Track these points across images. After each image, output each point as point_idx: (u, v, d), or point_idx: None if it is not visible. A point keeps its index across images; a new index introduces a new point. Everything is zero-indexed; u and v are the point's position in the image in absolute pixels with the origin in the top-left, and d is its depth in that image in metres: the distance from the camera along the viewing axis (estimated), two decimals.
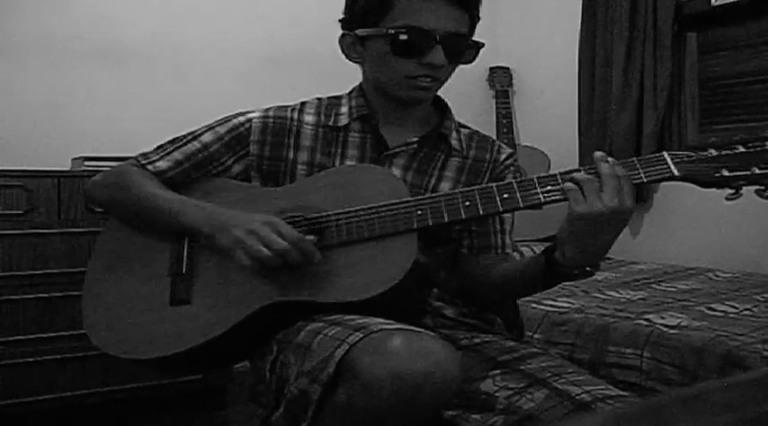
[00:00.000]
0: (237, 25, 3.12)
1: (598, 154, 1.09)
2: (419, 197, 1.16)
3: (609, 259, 3.08)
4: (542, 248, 1.18)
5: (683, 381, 1.64)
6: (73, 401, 2.33)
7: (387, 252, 1.13)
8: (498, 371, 1.15)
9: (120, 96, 2.88)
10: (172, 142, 1.33)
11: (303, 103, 1.35)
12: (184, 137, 1.33)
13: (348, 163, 1.28)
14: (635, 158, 1.10)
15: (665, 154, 1.09)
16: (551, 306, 2.07)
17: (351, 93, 1.35)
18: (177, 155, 1.31)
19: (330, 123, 1.31)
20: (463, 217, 1.13)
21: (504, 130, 3.53)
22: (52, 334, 2.30)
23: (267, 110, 1.33)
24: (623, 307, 2.01)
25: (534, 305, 2.07)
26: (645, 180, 1.08)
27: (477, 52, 1.26)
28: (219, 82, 3.05)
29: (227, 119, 1.33)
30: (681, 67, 3.11)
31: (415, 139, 1.29)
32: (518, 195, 1.11)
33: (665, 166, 1.08)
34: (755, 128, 2.85)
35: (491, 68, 3.67)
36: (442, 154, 1.32)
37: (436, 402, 0.95)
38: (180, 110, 2.81)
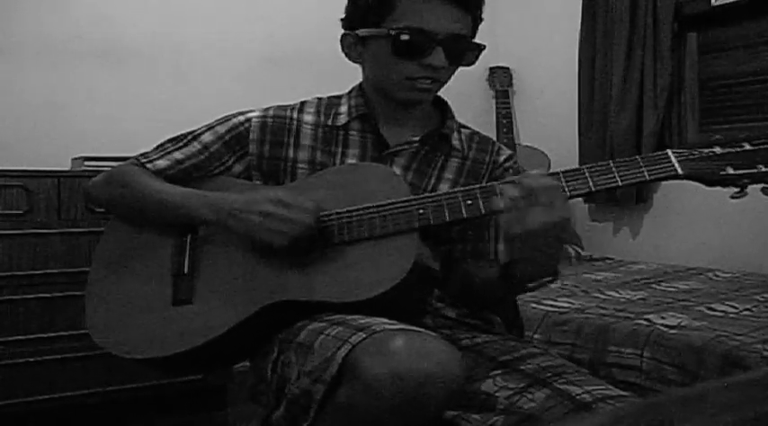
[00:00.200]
0: (237, 25, 3.12)
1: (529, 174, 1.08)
2: (420, 196, 1.16)
3: (609, 259, 3.08)
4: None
5: (683, 381, 1.64)
6: (73, 401, 2.33)
7: (388, 252, 1.13)
8: (498, 371, 1.15)
9: (120, 96, 2.88)
10: (171, 141, 1.34)
11: (303, 103, 1.35)
12: (184, 136, 1.33)
13: (349, 161, 1.28)
14: (638, 156, 1.09)
15: (669, 152, 1.09)
16: (551, 306, 2.07)
17: (350, 92, 1.35)
18: (177, 154, 1.31)
19: (329, 122, 1.31)
20: (465, 216, 1.13)
21: (504, 130, 3.53)
22: (52, 334, 2.30)
23: (267, 109, 1.33)
24: (623, 307, 2.01)
25: (534, 305, 2.07)
26: (648, 178, 1.08)
27: (479, 54, 1.26)
28: (219, 82, 3.05)
29: (226, 119, 1.33)
30: (681, 67, 3.12)
31: (417, 138, 1.29)
32: None
33: (669, 164, 1.07)
34: (756, 128, 2.85)
35: (491, 68, 3.67)
36: (442, 154, 1.32)
37: (438, 402, 0.95)
38: (180, 110, 2.81)
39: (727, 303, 2.04)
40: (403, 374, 0.92)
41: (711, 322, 1.81)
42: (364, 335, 0.98)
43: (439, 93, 1.32)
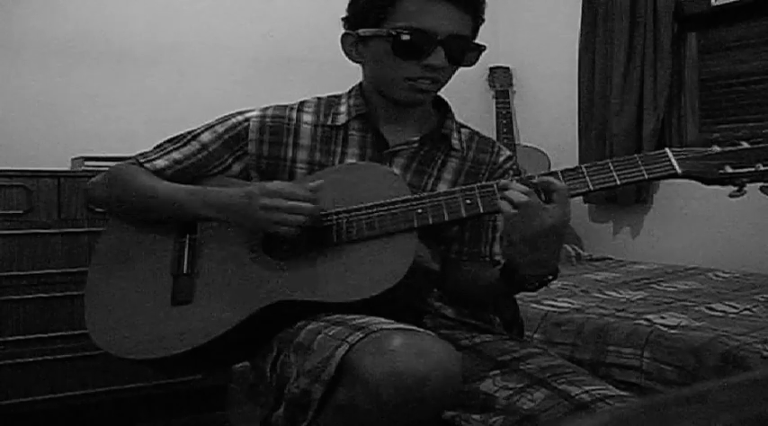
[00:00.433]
0: (237, 25, 3.12)
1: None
2: (419, 195, 1.16)
3: (609, 259, 3.08)
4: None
5: (683, 381, 1.63)
6: (73, 401, 2.33)
7: (387, 251, 1.13)
8: (498, 371, 1.15)
9: (119, 96, 2.88)
10: (171, 141, 1.34)
11: (302, 102, 1.35)
12: (183, 136, 1.33)
13: (348, 161, 1.28)
14: (637, 155, 1.09)
15: (668, 150, 1.09)
16: (551, 306, 2.07)
17: (350, 92, 1.34)
18: (176, 154, 1.31)
19: (329, 122, 1.31)
20: (464, 215, 1.13)
21: (504, 130, 3.53)
22: (52, 334, 2.30)
23: (266, 109, 1.33)
24: (623, 307, 2.01)
25: (534, 305, 2.07)
26: (647, 177, 1.08)
27: (479, 55, 1.26)
28: (219, 82, 3.05)
29: (225, 119, 1.33)
30: (681, 67, 3.11)
31: (416, 138, 1.29)
32: None
33: (668, 163, 1.08)
34: (756, 127, 2.85)
35: (491, 68, 3.67)
36: (442, 154, 1.32)
37: (437, 402, 0.95)
38: (179, 111, 2.82)
39: (727, 303, 2.04)
40: (401, 373, 0.92)
41: (711, 322, 1.81)
42: (362, 335, 0.98)
43: (439, 93, 1.32)
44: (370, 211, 1.15)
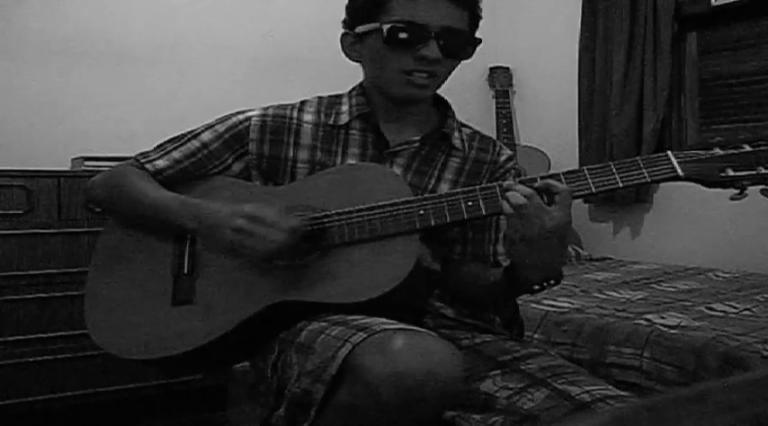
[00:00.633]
0: (237, 25, 3.12)
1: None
2: (421, 196, 1.16)
3: (609, 259, 3.08)
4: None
5: (682, 381, 1.63)
6: (73, 401, 2.33)
7: (389, 253, 1.13)
8: (498, 371, 1.15)
9: (120, 96, 2.88)
10: (171, 141, 1.33)
11: (303, 102, 1.35)
12: (184, 136, 1.33)
13: (349, 161, 1.28)
14: (638, 158, 1.09)
15: (670, 153, 1.09)
16: (551, 306, 2.07)
17: (351, 91, 1.34)
18: (176, 154, 1.31)
19: (330, 122, 1.31)
20: (465, 217, 1.13)
21: (504, 130, 3.53)
22: (52, 334, 2.30)
23: (267, 108, 1.33)
24: (623, 307, 2.01)
25: (534, 305, 2.07)
26: (649, 180, 1.08)
27: (474, 48, 1.26)
28: (219, 82, 3.05)
29: (226, 118, 1.33)
30: (681, 67, 3.12)
31: (418, 138, 1.29)
32: None
33: (670, 166, 1.08)
34: (756, 128, 2.85)
35: (491, 68, 3.67)
36: (443, 154, 1.32)
37: (438, 402, 0.95)
38: (179, 111, 2.82)
39: (727, 303, 2.04)
40: (403, 373, 0.92)
41: (711, 322, 1.81)
42: (365, 335, 0.98)
43: (439, 93, 1.32)
44: (371, 213, 1.15)
